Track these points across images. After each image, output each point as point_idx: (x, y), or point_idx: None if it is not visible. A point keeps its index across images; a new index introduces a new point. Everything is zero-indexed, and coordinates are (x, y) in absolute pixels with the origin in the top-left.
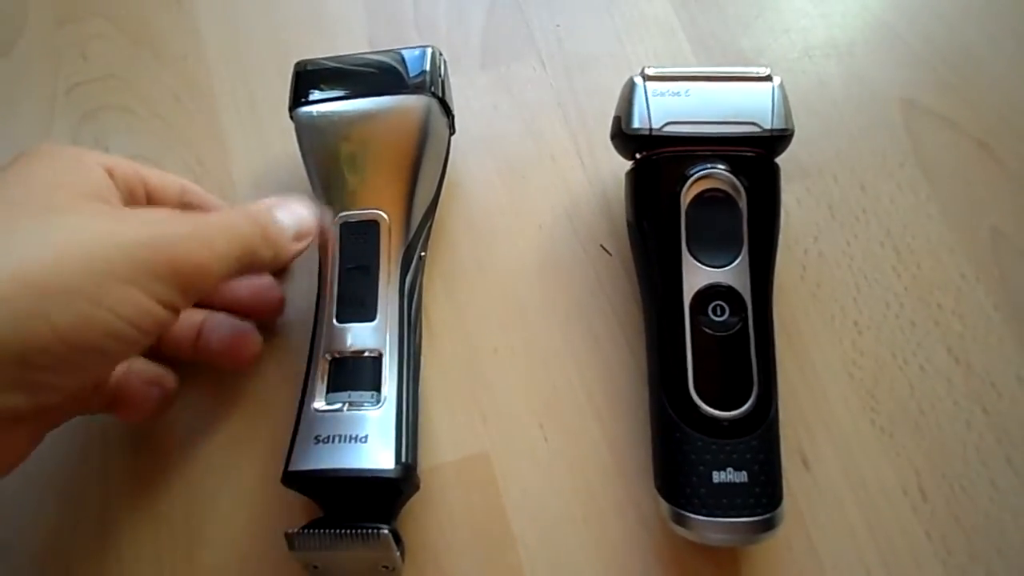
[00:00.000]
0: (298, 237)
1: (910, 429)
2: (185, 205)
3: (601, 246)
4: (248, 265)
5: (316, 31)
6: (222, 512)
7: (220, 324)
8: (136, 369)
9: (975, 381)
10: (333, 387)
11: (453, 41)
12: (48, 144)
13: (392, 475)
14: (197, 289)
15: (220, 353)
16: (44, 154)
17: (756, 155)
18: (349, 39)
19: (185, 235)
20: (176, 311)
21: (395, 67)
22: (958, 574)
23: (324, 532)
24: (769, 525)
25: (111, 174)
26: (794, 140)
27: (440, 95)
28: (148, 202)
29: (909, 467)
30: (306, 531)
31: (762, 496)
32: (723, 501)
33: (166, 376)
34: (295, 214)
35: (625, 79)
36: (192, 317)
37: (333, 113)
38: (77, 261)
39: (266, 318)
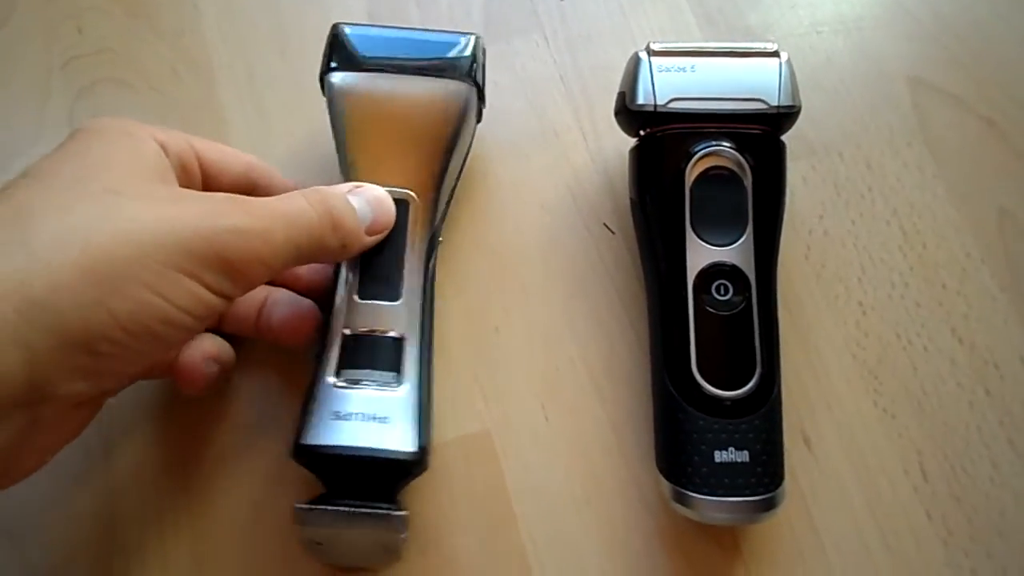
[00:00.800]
0: (372, 230)
1: (913, 409)
2: (250, 183)
3: (604, 224)
4: (312, 255)
5: (314, 5)
6: (226, 486)
7: (280, 301)
8: (198, 344)
9: (978, 362)
10: (351, 364)
11: (454, 15)
12: (102, 119)
13: (412, 458)
14: (251, 280)
15: (279, 331)
16: (98, 130)
17: (762, 132)
18: (347, 14)
19: (241, 227)
20: (230, 299)
21: (439, 49)
22: (958, 554)
23: (337, 510)
24: (770, 505)
25: (165, 148)
26: (800, 117)
27: (480, 84)
28: (204, 177)
29: (911, 447)
30: (316, 507)
31: (764, 476)
32: (724, 480)
33: (224, 351)
34: (373, 203)
35: (630, 54)
36: (255, 294)
37: (370, 85)
38: (133, 249)
39: (319, 294)
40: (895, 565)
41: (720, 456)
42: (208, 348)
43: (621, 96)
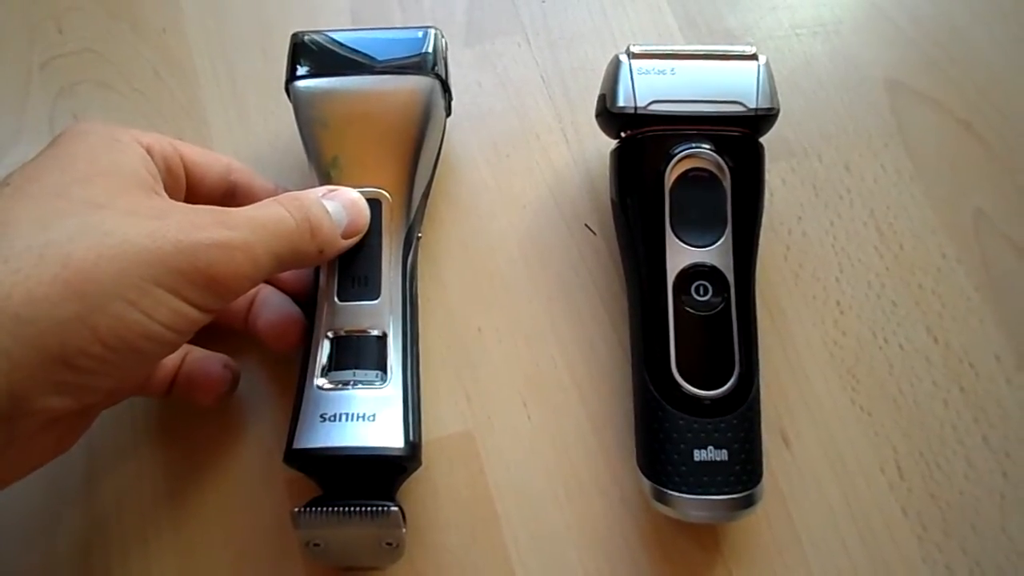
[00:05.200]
0: (347, 234)
1: (889, 408)
2: (230, 185)
3: (585, 225)
4: (290, 263)
5: (298, 5)
6: (217, 492)
7: (268, 303)
8: (211, 355)
9: (953, 360)
10: (336, 366)
11: (437, 17)
12: (87, 123)
13: (401, 453)
14: (233, 293)
15: (264, 336)
16: (83, 135)
17: (741, 134)
18: (332, 13)
19: (222, 241)
20: (212, 312)
21: (398, 46)
22: (933, 550)
23: (331, 510)
24: (749, 502)
25: (150, 151)
26: (779, 119)
27: (444, 77)
28: (188, 179)
29: (887, 445)
30: (312, 509)
31: (742, 474)
32: (704, 479)
33: (231, 360)
34: (347, 206)
35: (611, 56)
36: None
37: (335, 89)
38: (115, 264)
39: (303, 296)
40: (871, 561)
41: (700, 455)
42: (222, 357)
43: (602, 98)
